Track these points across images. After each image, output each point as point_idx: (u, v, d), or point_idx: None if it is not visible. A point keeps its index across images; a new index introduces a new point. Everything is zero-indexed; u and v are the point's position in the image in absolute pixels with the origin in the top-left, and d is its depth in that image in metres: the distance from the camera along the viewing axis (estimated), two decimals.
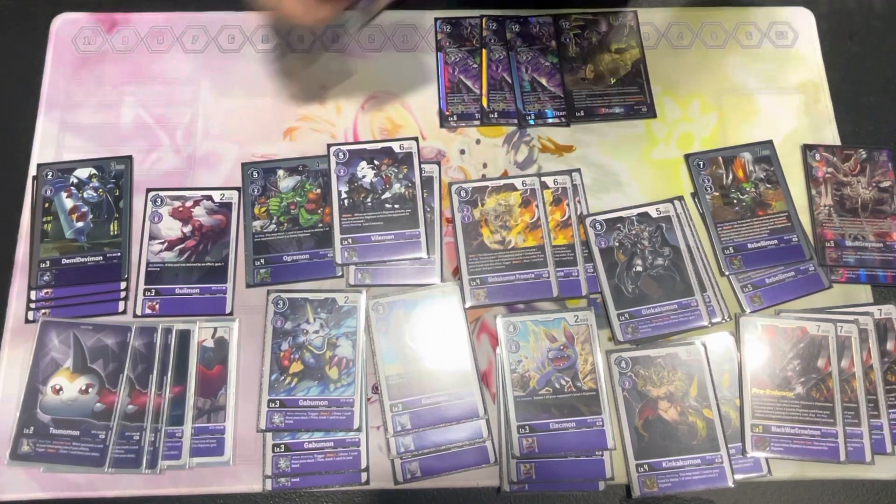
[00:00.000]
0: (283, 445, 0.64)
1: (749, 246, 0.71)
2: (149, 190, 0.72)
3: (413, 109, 0.76)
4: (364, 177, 0.73)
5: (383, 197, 0.72)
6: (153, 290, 0.69)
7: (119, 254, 0.70)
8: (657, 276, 0.70)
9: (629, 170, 0.75)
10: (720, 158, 0.75)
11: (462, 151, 0.75)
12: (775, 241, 0.71)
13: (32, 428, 0.63)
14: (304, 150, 0.74)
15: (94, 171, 0.72)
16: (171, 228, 0.71)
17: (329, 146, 0.74)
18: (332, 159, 0.73)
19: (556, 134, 0.76)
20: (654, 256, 0.70)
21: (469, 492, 0.65)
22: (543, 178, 0.73)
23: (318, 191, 0.72)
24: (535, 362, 0.66)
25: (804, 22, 0.82)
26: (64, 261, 0.69)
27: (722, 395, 0.66)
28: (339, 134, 0.75)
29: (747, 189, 0.73)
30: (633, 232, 0.71)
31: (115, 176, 0.72)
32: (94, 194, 0.72)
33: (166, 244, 0.70)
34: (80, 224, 0.70)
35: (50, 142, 0.74)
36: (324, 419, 0.64)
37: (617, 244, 0.71)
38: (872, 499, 0.66)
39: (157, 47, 0.78)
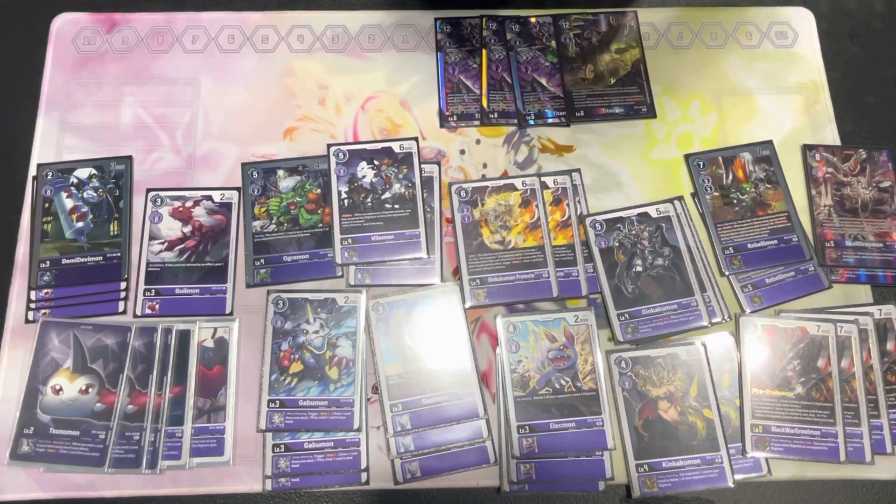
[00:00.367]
0: (283, 445, 0.64)
1: (749, 246, 0.71)
2: (149, 190, 0.72)
3: (413, 109, 0.76)
4: (364, 177, 0.73)
5: (383, 197, 0.72)
6: (153, 290, 0.69)
7: (119, 254, 0.70)
8: (657, 276, 0.70)
9: (629, 170, 0.75)
10: (720, 158, 0.75)
11: (462, 151, 0.75)
12: (775, 241, 0.71)
13: (32, 428, 0.63)
14: (304, 150, 0.74)
15: (94, 171, 0.72)
16: (171, 228, 0.71)
17: (329, 146, 0.74)
18: (332, 159, 0.73)
19: (556, 134, 0.76)
20: (654, 256, 0.70)
21: (469, 492, 0.65)
22: (543, 178, 0.73)
23: (318, 191, 0.72)
24: (535, 362, 0.66)
25: (804, 22, 0.82)
26: (64, 261, 0.69)
27: (722, 395, 0.66)
28: (339, 134, 0.75)
29: (747, 189, 0.73)
30: (633, 232, 0.71)
31: (115, 176, 0.72)
32: (94, 194, 0.72)
33: (166, 244, 0.70)
34: (80, 224, 0.70)
35: (50, 142, 0.74)
36: (324, 419, 0.64)
37: (617, 244, 0.71)
38: (872, 499, 0.66)
39: (157, 47, 0.78)
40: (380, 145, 0.74)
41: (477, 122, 0.76)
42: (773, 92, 0.78)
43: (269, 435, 0.64)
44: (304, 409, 0.65)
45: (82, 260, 0.69)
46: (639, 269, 0.70)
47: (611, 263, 0.70)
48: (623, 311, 0.68)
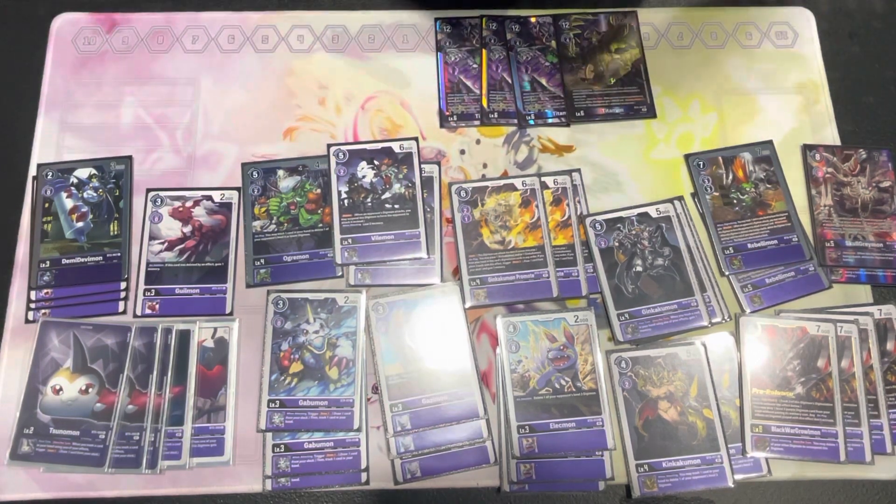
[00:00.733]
0: (283, 445, 0.64)
1: (749, 246, 0.71)
2: (149, 190, 0.72)
3: (413, 109, 0.76)
4: (364, 177, 0.73)
5: (383, 197, 0.72)
6: (153, 290, 0.69)
7: (119, 254, 0.70)
8: (657, 276, 0.70)
9: (629, 170, 0.75)
10: (720, 158, 0.75)
11: (462, 151, 0.75)
12: (775, 241, 0.71)
13: (32, 428, 0.63)
14: (304, 150, 0.74)
15: (94, 171, 0.72)
16: (171, 228, 0.71)
17: (329, 146, 0.74)
18: (332, 159, 0.73)
19: (556, 134, 0.76)
20: (654, 256, 0.70)
21: (469, 492, 0.65)
22: (543, 178, 0.73)
23: (318, 191, 0.72)
24: (535, 362, 0.66)
25: (804, 22, 0.82)
26: (64, 261, 0.69)
27: (722, 395, 0.66)
28: (339, 134, 0.75)
29: (747, 189, 0.73)
30: (633, 232, 0.71)
31: (115, 176, 0.72)
32: (94, 194, 0.72)
33: (166, 244, 0.70)
34: (80, 224, 0.70)
35: (50, 142, 0.74)
36: (324, 419, 0.64)
37: (617, 244, 0.71)
38: (872, 499, 0.66)
39: (157, 47, 0.78)
40: (380, 145, 0.74)
41: (477, 122, 0.76)
42: (773, 92, 0.78)
43: (269, 435, 0.64)
44: (304, 409, 0.65)
45: (82, 260, 0.69)
46: (639, 269, 0.70)
47: (611, 263, 0.70)
48: (623, 311, 0.68)
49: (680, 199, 0.73)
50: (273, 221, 0.71)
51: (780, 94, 0.78)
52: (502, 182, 0.73)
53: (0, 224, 0.72)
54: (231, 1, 0.81)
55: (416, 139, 0.74)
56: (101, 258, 0.69)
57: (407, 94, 0.77)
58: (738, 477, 0.64)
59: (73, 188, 0.72)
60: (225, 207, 0.72)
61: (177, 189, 0.72)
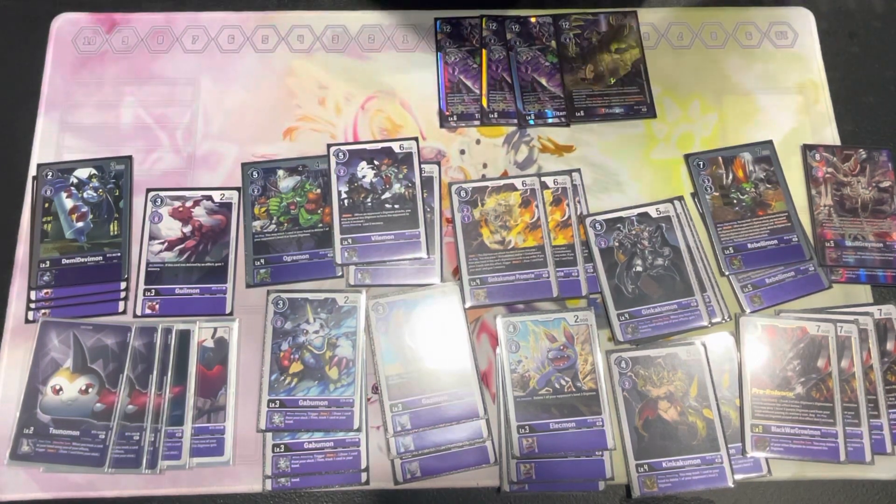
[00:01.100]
0: (283, 445, 0.64)
1: (749, 246, 0.71)
2: (149, 190, 0.72)
3: (413, 109, 0.76)
4: (364, 177, 0.73)
5: (383, 197, 0.72)
6: (153, 290, 0.69)
7: (119, 254, 0.70)
8: (657, 276, 0.70)
9: (629, 170, 0.75)
10: (720, 158, 0.75)
11: (462, 151, 0.75)
12: (775, 241, 0.71)
13: (32, 428, 0.63)
14: (304, 150, 0.74)
15: (94, 171, 0.72)
16: (171, 228, 0.71)
17: (329, 146, 0.74)
18: (332, 159, 0.73)
19: (556, 134, 0.76)
20: (654, 256, 0.70)
21: (469, 492, 0.65)
22: (543, 178, 0.73)
23: (318, 191, 0.72)
24: (535, 362, 0.66)
25: (804, 22, 0.82)
26: (64, 261, 0.69)
27: (722, 395, 0.66)
28: (339, 134, 0.75)
29: (747, 189, 0.73)
30: (633, 232, 0.71)
31: (115, 176, 0.72)
32: (94, 194, 0.72)
33: (166, 244, 0.70)
34: (80, 224, 0.70)
35: (50, 142, 0.74)
36: (324, 419, 0.64)
37: (617, 244, 0.71)
38: (872, 499, 0.66)
39: (157, 47, 0.78)
40: (380, 145, 0.74)
41: (477, 122, 0.76)
42: (773, 92, 0.78)
43: (269, 435, 0.64)
44: (304, 409, 0.65)
45: (82, 260, 0.69)
46: (639, 269, 0.70)
47: (611, 263, 0.70)
48: (623, 311, 0.68)
49: (680, 199, 0.73)
50: (273, 221, 0.71)
51: (780, 94, 0.78)
52: (502, 182, 0.73)
53: (0, 224, 0.72)
54: (231, 1, 0.81)
55: (416, 139, 0.74)
56: (101, 258, 0.69)
57: (407, 94, 0.77)
58: (738, 477, 0.64)
59: (73, 188, 0.72)
60: (225, 207, 0.72)
61: (177, 189, 0.72)
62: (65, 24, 0.79)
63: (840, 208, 0.73)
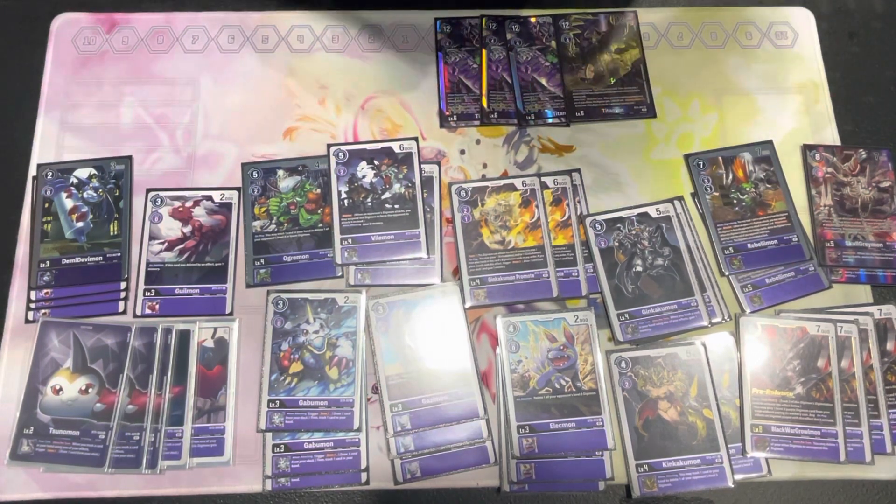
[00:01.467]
0: (283, 445, 0.64)
1: (749, 246, 0.71)
2: (149, 190, 0.72)
3: (413, 109, 0.76)
4: (364, 177, 0.73)
5: (383, 197, 0.72)
6: (153, 290, 0.69)
7: (119, 254, 0.70)
8: (657, 276, 0.70)
9: (629, 170, 0.75)
10: (720, 158, 0.75)
11: (462, 151, 0.75)
12: (775, 241, 0.71)
13: (32, 428, 0.63)
14: (304, 150, 0.74)
15: (94, 171, 0.72)
16: (171, 228, 0.71)
17: (329, 146, 0.74)
18: (332, 159, 0.73)
19: (556, 134, 0.76)
20: (654, 256, 0.70)
21: (469, 492, 0.65)
22: (543, 178, 0.73)
23: (318, 191, 0.72)
24: (535, 362, 0.66)
25: (804, 22, 0.82)
26: (64, 261, 0.69)
27: (722, 395, 0.66)
28: (339, 134, 0.75)
29: (747, 189, 0.73)
30: (633, 232, 0.71)
31: (115, 176, 0.72)
32: (94, 194, 0.72)
33: (166, 244, 0.70)
34: (80, 224, 0.70)
35: (50, 142, 0.74)
36: (324, 419, 0.64)
37: (617, 244, 0.71)
38: (872, 499, 0.66)
39: (157, 47, 0.78)
40: (380, 145, 0.74)
41: (477, 122, 0.76)
42: (773, 92, 0.78)
43: (269, 435, 0.64)
44: (304, 409, 0.65)
45: (82, 260, 0.69)
46: (639, 269, 0.70)
47: (611, 263, 0.70)
48: (623, 311, 0.68)
49: (680, 199, 0.73)
50: (273, 221, 0.71)
51: (780, 94, 0.78)
52: (502, 182, 0.73)
53: (0, 224, 0.72)
54: (231, 1, 0.81)
55: (416, 139, 0.74)
56: (101, 258, 0.69)
57: (407, 94, 0.77)
58: (738, 477, 0.64)
59: (73, 188, 0.72)
60: (225, 207, 0.72)
61: (177, 189, 0.72)
62: (65, 24, 0.79)
63: (840, 208, 0.73)
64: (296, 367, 0.66)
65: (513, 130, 0.76)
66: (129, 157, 0.73)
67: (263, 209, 0.72)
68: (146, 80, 0.77)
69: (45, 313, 0.67)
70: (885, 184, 0.74)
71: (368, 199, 0.72)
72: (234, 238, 0.71)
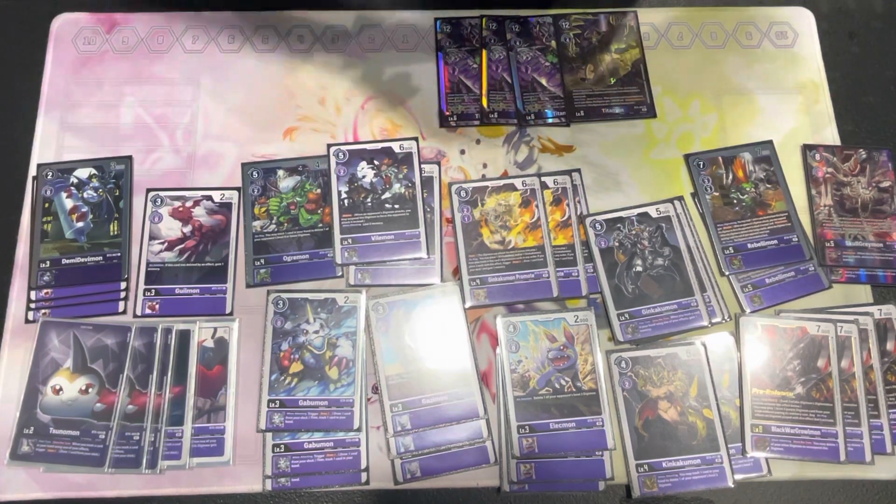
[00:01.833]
0: (283, 445, 0.64)
1: (749, 246, 0.71)
2: (149, 190, 0.72)
3: (413, 109, 0.76)
4: (364, 177, 0.73)
5: (383, 197, 0.72)
6: (153, 290, 0.69)
7: (119, 254, 0.70)
8: (657, 276, 0.70)
9: (629, 170, 0.75)
10: (720, 158, 0.75)
11: (462, 151, 0.75)
12: (775, 241, 0.71)
13: (32, 428, 0.63)
14: (304, 150, 0.74)
15: (94, 171, 0.72)
16: (171, 228, 0.71)
17: (329, 146, 0.74)
18: (332, 159, 0.73)
19: (556, 134, 0.76)
20: (654, 256, 0.70)
21: (469, 492, 0.65)
22: (543, 178, 0.73)
23: (318, 191, 0.72)
24: (535, 362, 0.66)
25: (804, 22, 0.82)
26: (64, 261, 0.69)
27: (722, 395, 0.66)
28: (339, 134, 0.75)
29: (747, 189, 0.73)
30: (633, 232, 0.71)
31: (115, 176, 0.72)
32: (94, 194, 0.72)
33: (166, 244, 0.70)
34: (80, 224, 0.70)
35: (50, 142, 0.74)
36: (324, 419, 0.64)
37: (617, 244, 0.71)
38: (872, 499, 0.66)
39: (157, 47, 0.78)
40: (380, 145, 0.74)
41: (477, 122, 0.76)
42: (773, 92, 0.78)
43: (269, 435, 0.64)
44: (304, 409, 0.65)
45: (82, 260, 0.69)
46: (639, 269, 0.70)
47: (611, 263, 0.70)
48: (623, 311, 0.68)
49: (680, 199, 0.73)
50: (273, 221, 0.71)
51: (780, 94, 0.78)
52: (502, 182, 0.73)
53: (0, 224, 0.72)
54: (231, 1, 0.81)
55: (416, 139, 0.74)
56: (101, 258, 0.69)
57: (407, 94, 0.77)
58: (738, 477, 0.64)
59: (73, 188, 0.72)
60: (225, 207, 0.72)
61: (177, 189, 0.72)
62: (65, 24, 0.79)
63: (840, 208, 0.73)
64: (296, 367, 0.66)
65: (513, 130, 0.76)
66: (129, 157, 0.73)
67: (263, 209, 0.72)
68: (146, 80, 0.77)
69: (45, 313, 0.67)
70: (885, 184, 0.74)
71: (368, 199, 0.72)
72: (234, 238, 0.71)
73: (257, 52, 0.78)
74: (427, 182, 0.73)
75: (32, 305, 0.68)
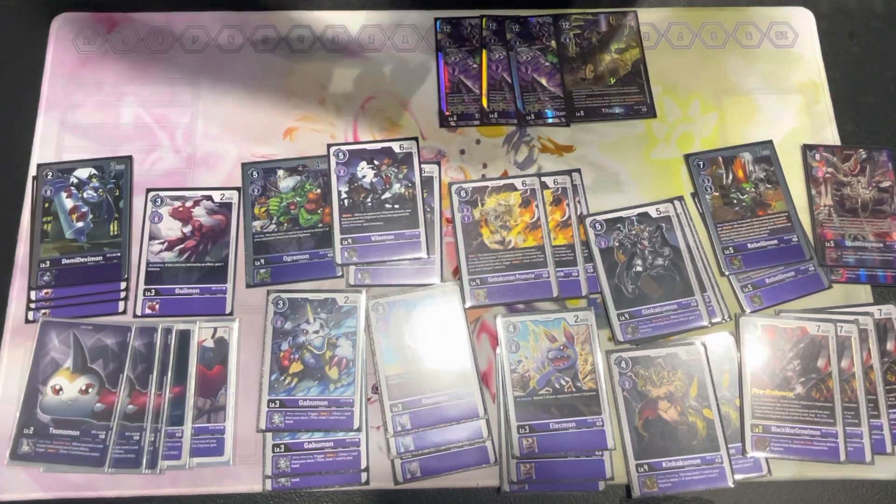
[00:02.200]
0: (283, 445, 0.64)
1: (749, 246, 0.71)
2: (149, 190, 0.72)
3: (413, 109, 0.76)
4: (364, 177, 0.73)
5: (383, 197, 0.72)
6: (153, 290, 0.69)
7: (119, 254, 0.70)
8: (657, 276, 0.70)
9: (629, 170, 0.75)
10: (720, 158, 0.75)
11: (462, 151, 0.75)
12: (775, 241, 0.71)
13: (32, 428, 0.63)
14: (304, 150, 0.74)
15: (94, 171, 0.72)
16: (171, 228, 0.71)
17: (329, 146, 0.74)
18: (332, 159, 0.73)
19: (556, 134, 0.76)
20: (654, 256, 0.70)
21: (469, 492, 0.65)
22: (543, 178, 0.73)
23: (318, 191, 0.72)
24: (535, 362, 0.66)
25: (804, 22, 0.82)
26: (64, 261, 0.69)
27: (722, 395, 0.66)
28: (339, 134, 0.75)
29: (747, 189, 0.73)
30: (633, 232, 0.71)
31: (115, 176, 0.72)
32: (94, 194, 0.72)
33: (166, 244, 0.70)
34: (80, 224, 0.70)
35: (50, 142, 0.74)
36: (324, 419, 0.64)
37: (617, 244, 0.71)
38: (872, 499, 0.66)
39: (157, 47, 0.78)
40: (380, 145, 0.74)
41: (477, 122, 0.76)
42: (773, 92, 0.78)
43: (269, 435, 0.64)
44: (304, 409, 0.65)
45: (82, 260, 0.69)
46: (639, 269, 0.70)
47: (611, 263, 0.70)
48: (623, 311, 0.68)
49: (680, 199, 0.73)
50: (273, 221, 0.71)
51: (780, 94, 0.78)
52: (502, 182, 0.73)
53: (0, 224, 0.72)
54: (231, 1, 0.81)
55: (416, 139, 0.74)
56: (101, 258, 0.69)
57: (407, 94, 0.77)
58: (738, 477, 0.64)
59: (73, 188, 0.72)
60: (225, 207, 0.72)
61: (177, 189, 0.72)
62: (65, 24, 0.79)
63: (840, 208, 0.73)
64: (296, 367, 0.66)
65: (513, 130, 0.76)
66: (129, 157, 0.73)
67: (263, 209, 0.72)
68: (146, 80, 0.77)
69: (45, 313, 0.67)
70: (885, 184, 0.74)
71: (368, 199, 0.72)
72: (234, 238, 0.71)
73: (257, 53, 0.78)
74: (427, 182, 0.73)
75: (32, 305, 0.68)
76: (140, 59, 0.77)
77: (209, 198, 0.72)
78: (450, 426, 0.65)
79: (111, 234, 0.70)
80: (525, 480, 0.64)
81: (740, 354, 0.67)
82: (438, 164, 0.74)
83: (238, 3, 0.80)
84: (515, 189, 0.73)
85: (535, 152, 0.75)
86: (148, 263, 0.69)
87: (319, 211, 0.72)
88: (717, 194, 0.73)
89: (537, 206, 0.72)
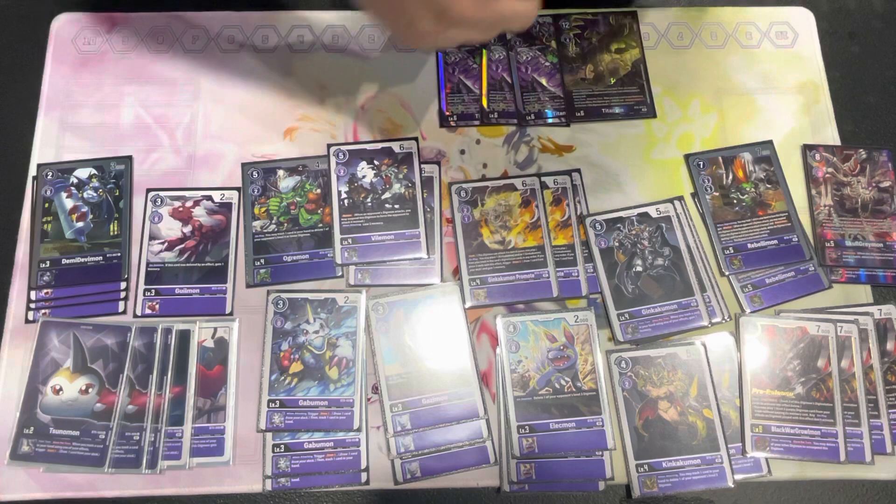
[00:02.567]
0: (283, 445, 0.64)
1: (749, 246, 0.71)
2: (149, 190, 0.72)
3: (413, 109, 0.76)
4: (364, 177, 0.73)
5: (383, 197, 0.72)
6: (153, 290, 0.69)
7: (119, 254, 0.70)
8: (657, 276, 0.70)
9: (629, 170, 0.75)
10: (720, 158, 0.75)
11: (462, 151, 0.75)
12: (775, 241, 0.71)
13: (32, 428, 0.63)
14: (304, 150, 0.74)
15: (94, 171, 0.72)
16: (171, 228, 0.71)
17: (329, 146, 0.74)
18: (332, 159, 0.73)
19: (556, 134, 0.76)
20: (654, 256, 0.70)
21: (469, 492, 0.65)
22: (543, 178, 0.73)
23: (318, 191, 0.72)
24: (535, 362, 0.66)
25: (804, 22, 0.82)
26: (64, 261, 0.69)
27: (722, 395, 0.66)
28: (339, 134, 0.75)
29: (747, 189, 0.73)
30: (633, 232, 0.71)
31: (115, 176, 0.72)
32: (94, 194, 0.72)
33: (166, 244, 0.70)
34: (80, 224, 0.70)
35: (50, 142, 0.74)
36: (324, 419, 0.64)
37: (617, 244, 0.71)
38: (872, 499, 0.66)
39: (157, 47, 0.78)
40: (380, 145, 0.74)
41: (477, 122, 0.76)
42: (773, 92, 0.78)
43: (269, 435, 0.64)
44: (304, 409, 0.65)
45: (82, 260, 0.69)
46: (639, 269, 0.70)
47: (611, 263, 0.70)
48: (623, 311, 0.68)
49: (680, 199, 0.73)
50: (273, 221, 0.71)
51: (780, 94, 0.78)
52: (502, 182, 0.73)
53: (0, 224, 0.72)
54: (231, 1, 0.81)
55: (416, 139, 0.74)
56: (101, 258, 0.69)
57: (407, 94, 0.77)
58: (738, 477, 0.64)
59: (73, 188, 0.72)
60: (225, 207, 0.72)
61: (177, 189, 0.72)
62: (65, 24, 0.79)
63: (840, 208, 0.73)
64: (296, 367, 0.66)
65: (513, 130, 0.76)
66: (129, 157, 0.73)
67: (263, 209, 0.72)
68: (146, 80, 0.77)
69: (45, 313, 0.67)
70: (885, 184, 0.74)
71: (368, 199, 0.72)
72: (234, 238, 0.71)
73: (257, 52, 0.78)
74: (427, 182, 0.73)
75: (32, 305, 0.68)
76: (140, 59, 0.77)
77: (209, 198, 0.72)
78: (450, 426, 0.65)
79: (111, 234, 0.70)
80: (525, 480, 0.64)
81: (740, 354, 0.67)
82: (438, 164, 0.74)
83: (238, 4, 0.80)
84: (515, 189, 0.73)
85: (535, 152, 0.75)
86: (148, 263, 0.69)
87: (319, 211, 0.72)
88: (717, 194, 0.73)
89: (537, 206, 0.72)
